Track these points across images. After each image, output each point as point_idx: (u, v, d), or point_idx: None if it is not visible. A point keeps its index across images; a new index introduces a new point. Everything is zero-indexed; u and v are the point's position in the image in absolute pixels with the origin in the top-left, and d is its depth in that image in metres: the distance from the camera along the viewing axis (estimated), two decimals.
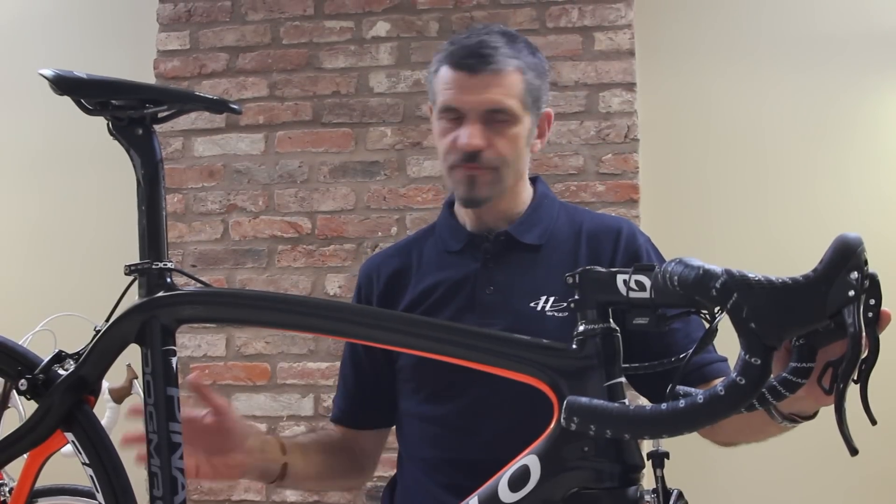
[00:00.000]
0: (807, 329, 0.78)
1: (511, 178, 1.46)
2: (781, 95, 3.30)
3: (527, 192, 1.53)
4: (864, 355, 0.81)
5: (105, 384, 2.36)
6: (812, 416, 1.13)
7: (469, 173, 1.42)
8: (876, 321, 0.83)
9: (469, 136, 1.40)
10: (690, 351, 0.92)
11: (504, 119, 1.42)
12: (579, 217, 1.54)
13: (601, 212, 2.29)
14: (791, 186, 3.26)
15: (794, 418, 1.14)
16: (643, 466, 0.90)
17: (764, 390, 0.88)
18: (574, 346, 0.91)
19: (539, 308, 1.41)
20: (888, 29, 3.27)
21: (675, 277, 0.80)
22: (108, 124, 1.14)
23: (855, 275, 0.76)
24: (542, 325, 1.37)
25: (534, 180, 1.55)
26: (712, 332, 0.90)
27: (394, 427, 1.58)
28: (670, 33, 3.36)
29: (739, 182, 3.29)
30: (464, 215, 1.52)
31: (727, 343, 1.43)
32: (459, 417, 1.42)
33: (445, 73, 1.44)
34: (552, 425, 0.90)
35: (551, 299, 1.41)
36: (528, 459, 0.90)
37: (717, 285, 0.77)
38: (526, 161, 1.49)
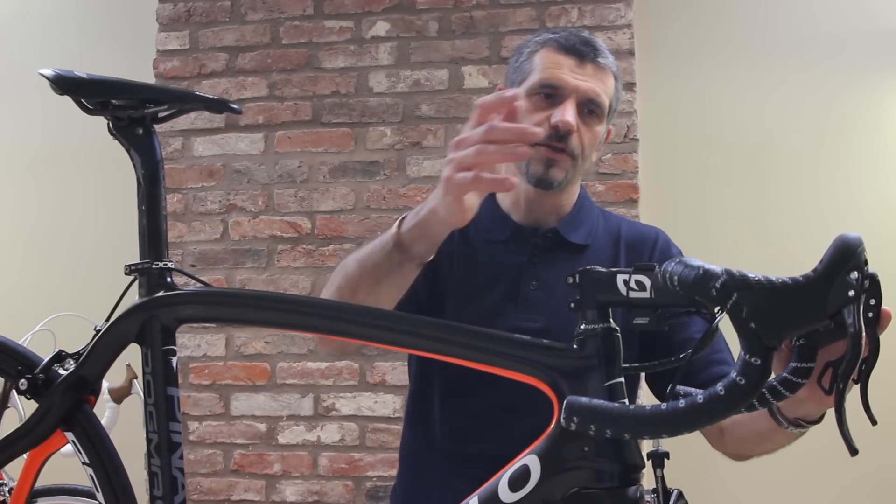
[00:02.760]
0: (807, 329, 0.78)
1: (579, 174, 1.47)
2: (781, 95, 3.30)
3: (574, 193, 1.53)
4: (864, 355, 0.81)
5: (105, 384, 2.36)
6: (818, 421, 1.13)
7: (551, 155, 1.41)
8: (876, 321, 0.83)
9: (567, 113, 1.39)
10: (690, 351, 0.92)
11: (594, 114, 1.43)
12: (615, 222, 1.55)
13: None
14: (791, 186, 3.26)
15: (800, 423, 1.13)
16: (643, 466, 0.90)
17: (764, 390, 0.87)
18: (574, 346, 0.91)
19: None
20: (888, 28, 3.27)
21: (675, 277, 0.80)
22: (108, 124, 1.14)
23: (855, 275, 0.76)
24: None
25: None
26: (712, 332, 0.90)
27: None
28: (670, 33, 3.36)
29: (739, 181, 3.29)
30: (511, 206, 1.51)
31: (728, 343, 1.43)
32: (490, 411, 1.41)
33: (551, 53, 1.43)
34: (552, 425, 0.90)
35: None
36: (528, 459, 0.90)
37: (717, 285, 0.76)
38: (589, 165, 1.50)
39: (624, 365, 0.91)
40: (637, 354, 1.36)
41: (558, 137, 1.40)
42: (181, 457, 1.09)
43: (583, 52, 1.42)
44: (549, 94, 1.42)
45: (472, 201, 1.11)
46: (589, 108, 1.42)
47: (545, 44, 1.45)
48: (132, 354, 1.15)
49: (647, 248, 1.49)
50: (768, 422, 1.18)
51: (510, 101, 1.06)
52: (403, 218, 1.21)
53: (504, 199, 1.52)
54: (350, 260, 1.32)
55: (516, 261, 1.46)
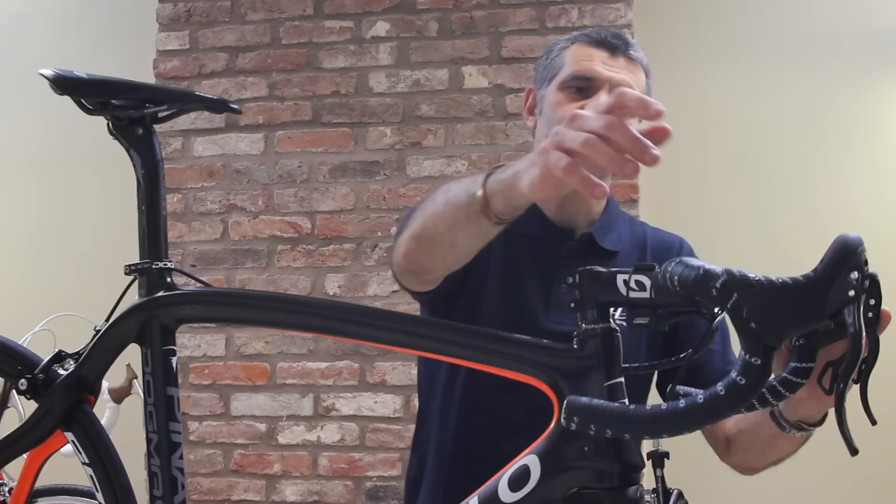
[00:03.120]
0: (807, 329, 0.78)
1: None
2: (781, 95, 3.30)
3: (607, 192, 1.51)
4: (864, 355, 0.81)
5: (105, 384, 2.36)
6: (819, 423, 1.13)
7: None
8: (876, 321, 0.83)
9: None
10: (690, 351, 0.92)
11: None
12: (640, 228, 1.54)
13: None
14: (791, 186, 3.26)
15: (802, 426, 1.13)
16: (643, 466, 0.90)
17: (764, 390, 0.87)
18: (574, 346, 0.91)
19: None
20: (887, 28, 3.27)
21: (676, 277, 0.80)
22: (108, 124, 1.14)
23: (855, 275, 0.76)
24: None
25: None
26: (712, 332, 0.90)
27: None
28: (670, 33, 3.36)
29: (739, 181, 3.29)
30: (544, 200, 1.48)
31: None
32: (515, 412, 1.40)
33: (582, 48, 1.43)
34: (552, 425, 0.90)
35: (619, 310, 1.37)
36: (528, 459, 0.90)
37: (718, 285, 0.76)
38: None
39: (624, 365, 0.91)
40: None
41: None
42: (181, 457, 1.09)
43: (614, 44, 1.42)
44: (582, 87, 1.40)
45: (560, 184, 0.92)
46: None
47: (576, 40, 1.44)
48: (132, 354, 1.15)
49: (673, 256, 1.47)
50: (770, 427, 1.17)
51: (654, 113, 0.85)
52: (499, 166, 1.06)
53: None
54: (440, 192, 1.17)
55: (549, 262, 1.44)
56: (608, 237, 1.47)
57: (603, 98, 0.88)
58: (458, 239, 1.12)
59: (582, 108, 1.35)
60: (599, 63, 1.40)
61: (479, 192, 1.02)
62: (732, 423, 1.39)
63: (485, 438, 1.40)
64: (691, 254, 1.49)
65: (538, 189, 0.90)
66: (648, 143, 0.82)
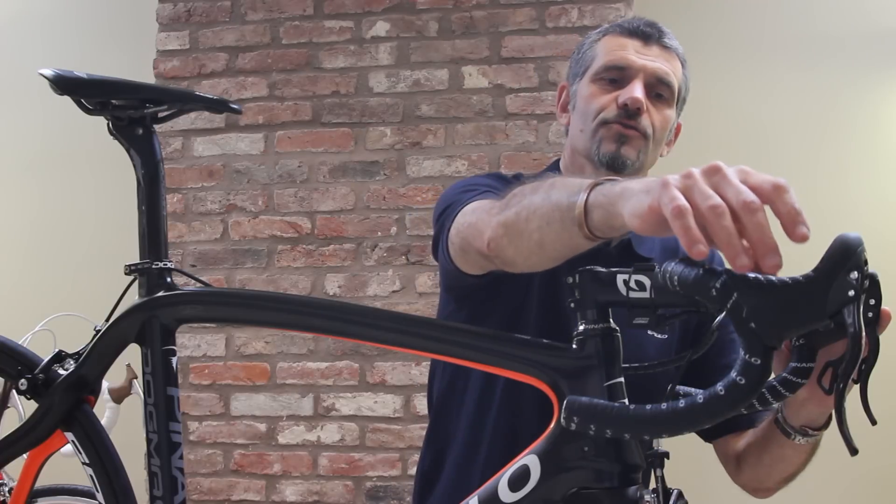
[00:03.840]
0: (807, 329, 0.78)
1: (650, 159, 1.40)
2: (781, 95, 3.30)
3: None
4: (863, 355, 0.81)
5: (105, 384, 2.36)
6: (824, 426, 1.12)
7: (623, 132, 1.36)
8: (876, 321, 0.83)
9: (635, 91, 1.35)
10: (690, 351, 0.92)
11: (664, 96, 1.39)
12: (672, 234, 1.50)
13: None
14: (791, 185, 3.25)
15: (807, 431, 1.13)
16: (643, 466, 0.90)
17: (764, 390, 0.87)
18: (574, 346, 0.91)
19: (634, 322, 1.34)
20: (888, 28, 3.27)
21: (675, 277, 0.80)
22: (108, 124, 1.14)
23: (855, 275, 0.76)
24: (640, 342, 1.31)
25: None
26: (712, 332, 0.90)
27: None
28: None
29: None
30: None
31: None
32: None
33: (615, 38, 1.40)
34: (552, 425, 0.90)
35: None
36: (528, 459, 0.90)
37: (717, 285, 0.76)
38: (657, 154, 1.44)
39: (624, 365, 0.91)
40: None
41: (628, 115, 1.35)
42: (181, 457, 1.09)
43: (647, 33, 1.39)
44: (615, 79, 1.38)
45: (664, 225, 0.80)
46: (657, 92, 1.38)
47: (607, 32, 1.42)
48: (132, 354, 1.15)
49: (706, 262, 1.44)
50: (776, 436, 1.16)
51: (798, 235, 0.74)
52: (610, 179, 0.95)
53: None
54: (544, 186, 1.05)
55: (587, 265, 1.41)
56: (644, 244, 1.43)
57: (765, 177, 0.77)
58: (548, 241, 1.02)
59: (616, 97, 1.33)
60: (633, 52, 1.38)
61: (582, 199, 0.92)
62: (742, 440, 1.37)
63: (521, 440, 1.39)
64: (722, 264, 1.47)
65: (640, 219, 0.81)
66: (774, 247, 0.73)
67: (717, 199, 0.74)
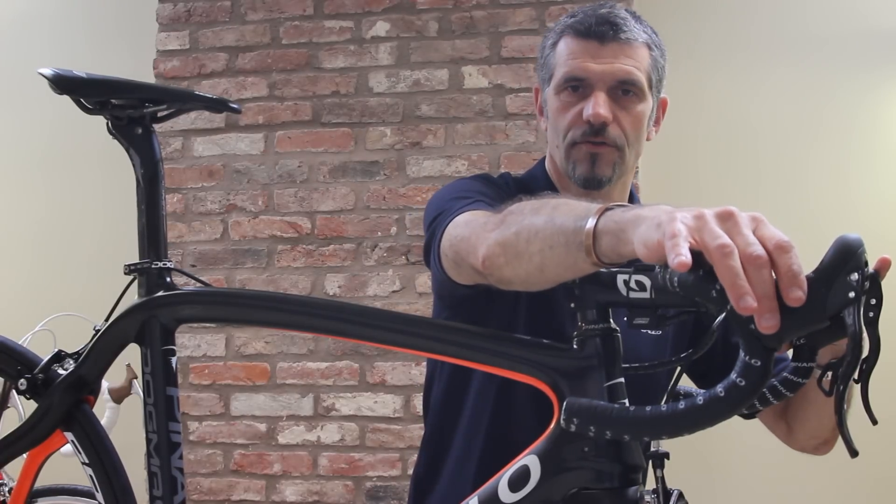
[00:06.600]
0: (807, 330, 0.78)
1: (631, 161, 1.39)
2: (779, 95, 3.30)
3: (626, 192, 1.45)
4: (864, 355, 0.81)
5: (104, 384, 2.36)
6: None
7: (593, 150, 1.34)
8: (876, 321, 0.83)
9: (597, 105, 1.32)
10: (690, 351, 0.91)
11: (632, 94, 1.36)
12: None
13: None
14: (789, 186, 3.26)
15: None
16: (643, 467, 0.90)
17: (765, 390, 0.87)
18: (574, 346, 0.91)
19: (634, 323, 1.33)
20: (885, 28, 3.27)
21: (676, 278, 0.80)
22: (107, 124, 1.14)
23: (855, 276, 0.76)
24: (635, 340, 1.27)
25: None
26: (712, 332, 0.90)
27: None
28: (667, 33, 3.33)
29: (737, 182, 3.28)
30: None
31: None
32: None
33: (570, 43, 1.37)
34: (552, 426, 0.90)
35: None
36: (528, 459, 0.90)
37: (718, 287, 0.76)
38: (643, 146, 1.42)
39: (624, 365, 0.90)
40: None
41: (594, 132, 1.34)
42: (181, 457, 1.09)
43: (601, 32, 1.36)
44: (577, 86, 1.36)
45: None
46: (623, 90, 1.36)
47: (563, 32, 1.40)
48: (132, 354, 1.15)
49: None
50: (816, 392, 1.13)
51: (794, 298, 0.74)
52: (620, 205, 0.93)
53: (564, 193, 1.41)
54: (546, 207, 1.01)
55: None
56: None
57: (774, 232, 0.78)
58: (550, 265, 0.97)
59: (581, 111, 1.31)
60: (589, 58, 1.35)
61: (590, 225, 0.89)
62: (781, 403, 1.36)
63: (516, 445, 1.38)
64: None
65: (649, 248, 0.80)
66: (774, 308, 0.73)
67: (729, 244, 0.75)
